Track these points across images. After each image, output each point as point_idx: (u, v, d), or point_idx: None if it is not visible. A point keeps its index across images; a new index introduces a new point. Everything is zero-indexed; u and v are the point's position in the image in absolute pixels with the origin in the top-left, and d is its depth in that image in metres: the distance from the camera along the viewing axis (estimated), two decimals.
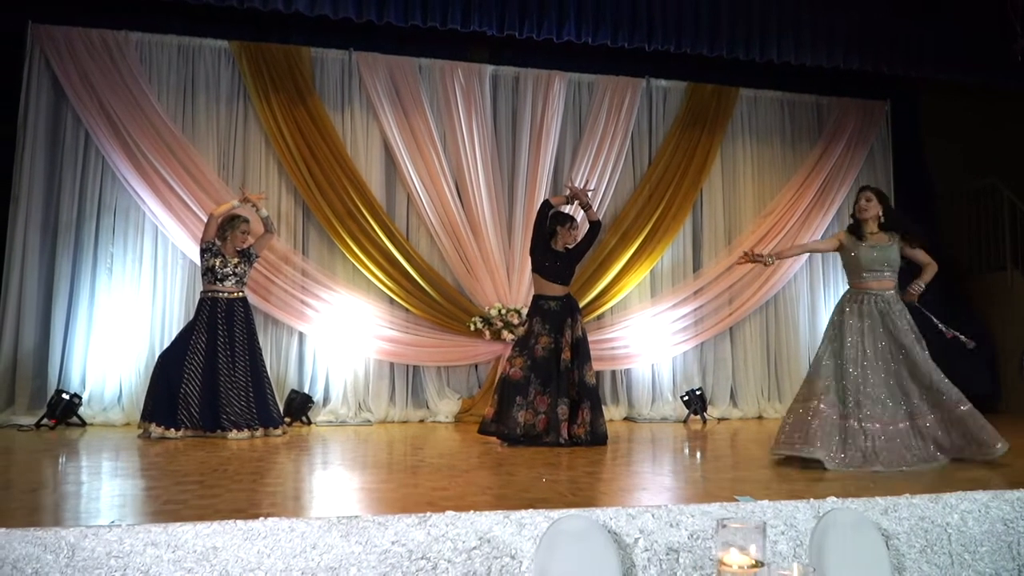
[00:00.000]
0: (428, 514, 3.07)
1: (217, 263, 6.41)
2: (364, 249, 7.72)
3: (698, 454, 5.84)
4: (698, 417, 7.98)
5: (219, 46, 7.74)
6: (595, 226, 6.55)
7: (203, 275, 6.48)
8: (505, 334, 7.77)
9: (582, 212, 6.69)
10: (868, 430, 5.10)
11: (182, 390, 6.13)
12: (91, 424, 6.91)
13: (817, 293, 8.97)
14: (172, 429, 6.07)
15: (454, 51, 8.16)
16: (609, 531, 3.34)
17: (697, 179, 8.57)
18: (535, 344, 6.17)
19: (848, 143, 9.04)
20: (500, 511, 3.17)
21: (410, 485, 4.06)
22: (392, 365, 7.80)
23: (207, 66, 7.72)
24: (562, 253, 6.38)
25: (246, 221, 6.60)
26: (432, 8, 7.02)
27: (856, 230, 5.49)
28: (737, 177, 8.88)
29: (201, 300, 6.46)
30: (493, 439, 6.03)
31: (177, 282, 7.43)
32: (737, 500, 3.78)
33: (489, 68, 8.26)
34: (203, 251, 6.47)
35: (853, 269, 5.41)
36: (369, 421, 7.50)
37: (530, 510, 3.21)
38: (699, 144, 8.62)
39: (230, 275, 6.46)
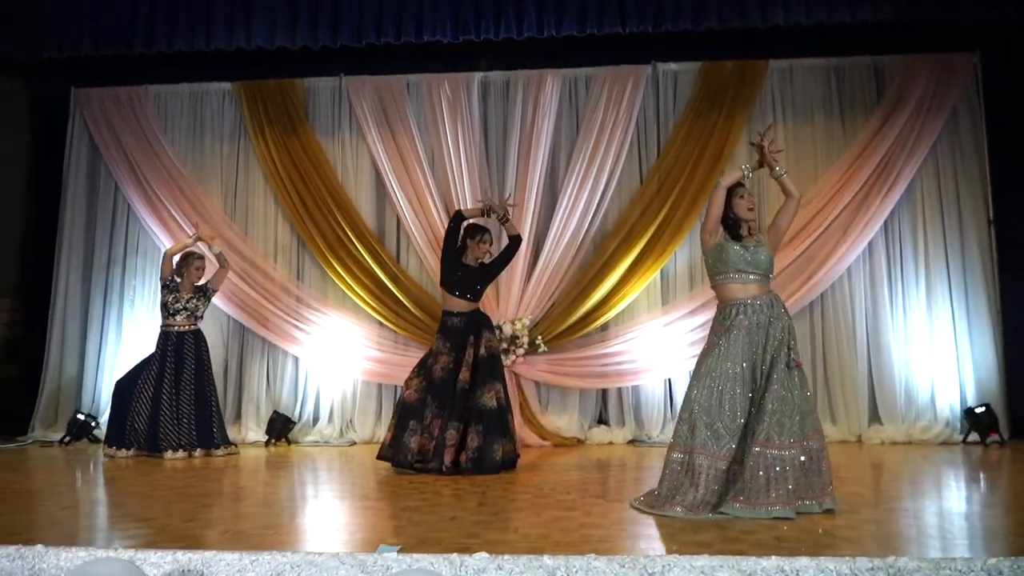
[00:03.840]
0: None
1: (170, 299, 6.86)
2: (353, 275, 7.79)
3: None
4: None
5: (223, 88, 8.28)
6: (514, 241, 6.17)
7: (160, 309, 6.96)
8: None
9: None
10: None
11: (130, 414, 6.64)
12: (99, 443, 7.64)
13: (880, 290, 7.50)
14: (122, 449, 6.59)
15: (444, 64, 8.00)
16: None
17: (713, 167, 7.58)
18: (433, 364, 5.88)
19: (918, 108, 7.47)
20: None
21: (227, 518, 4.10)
22: (380, 386, 7.78)
23: (212, 108, 8.28)
24: (472, 267, 6.04)
25: (200, 257, 7.00)
26: (424, 21, 7.10)
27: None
28: None
29: (159, 333, 6.93)
30: (389, 464, 5.80)
31: None
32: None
33: (477, 76, 7.98)
34: (161, 287, 6.95)
35: None
36: (354, 442, 7.54)
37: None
38: (716, 128, 7.64)
39: (181, 310, 6.87)
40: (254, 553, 3.27)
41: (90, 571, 3.03)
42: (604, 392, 7.66)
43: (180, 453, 6.57)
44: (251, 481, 5.80)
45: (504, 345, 7.35)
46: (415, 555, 3.16)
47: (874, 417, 7.33)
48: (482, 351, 5.87)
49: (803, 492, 4.13)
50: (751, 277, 4.49)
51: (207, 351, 7.00)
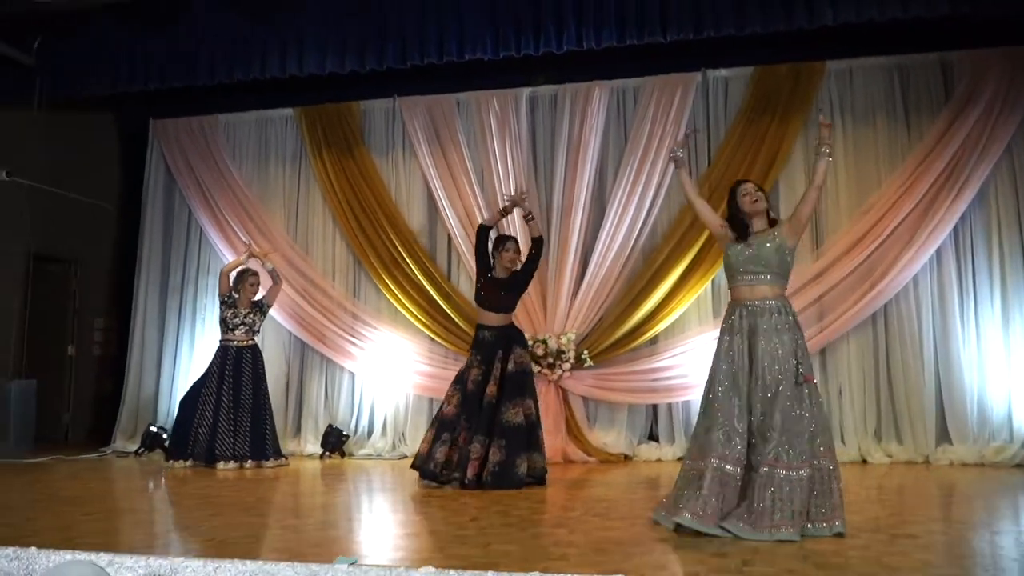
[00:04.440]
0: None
1: (229, 314, 7.17)
2: (405, 292, 7.94)
3: None
4: None
5: (286, 114, 8.62)
6: (536, 243, 6.12)
7: (219, 325, 7.27)
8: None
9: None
10: None
11: (193, 426, 6.96)
12: None
13: (949, 300, 7.02)
14: (179, 460, 6.92)
15: (495, 80, 8.06)
16: None
17: (766, 174, 7.31)
18: (466, 377, 5.91)
19: (990, 106, 6.97)
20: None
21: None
22: (431, 400, 7.85)
23: (276, 133, 8.65)
24: (501, 279, 6.04)
25: (254, 274, 7.29)
26: (465, 40, 7.18)
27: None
28: None
29: (217, 348, 7.25)
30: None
31: None
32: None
33: (526, 91, 8.01)
34: (220, 304, 7.26)
35: None
36: (405, 455, 7.64)
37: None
38: (769, 134, 7.38)
39: (240, 325, 7.16)
40: (217, 560, 3.36)
41: (59, 573, 3.21)
42: (654, 408, 7.48)
43: (232, 464, 6.83)
44: (271, 492, 5.90)
45: (550, 359, 7.31)
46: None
47: (943, 437, 6.86)
48: (511, 366, 5.84)
49: (811, 514, 3.92)
50: (761, 277, 4.26)
51: (263, 366, 7.26)
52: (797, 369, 4.11)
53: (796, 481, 3.94)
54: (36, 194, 8.54)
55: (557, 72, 7.96)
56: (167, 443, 7.31)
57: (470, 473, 5.58)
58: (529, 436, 5.69)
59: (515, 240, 6.16)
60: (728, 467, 4.01)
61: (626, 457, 7.25)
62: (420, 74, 8.01)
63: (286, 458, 7.22)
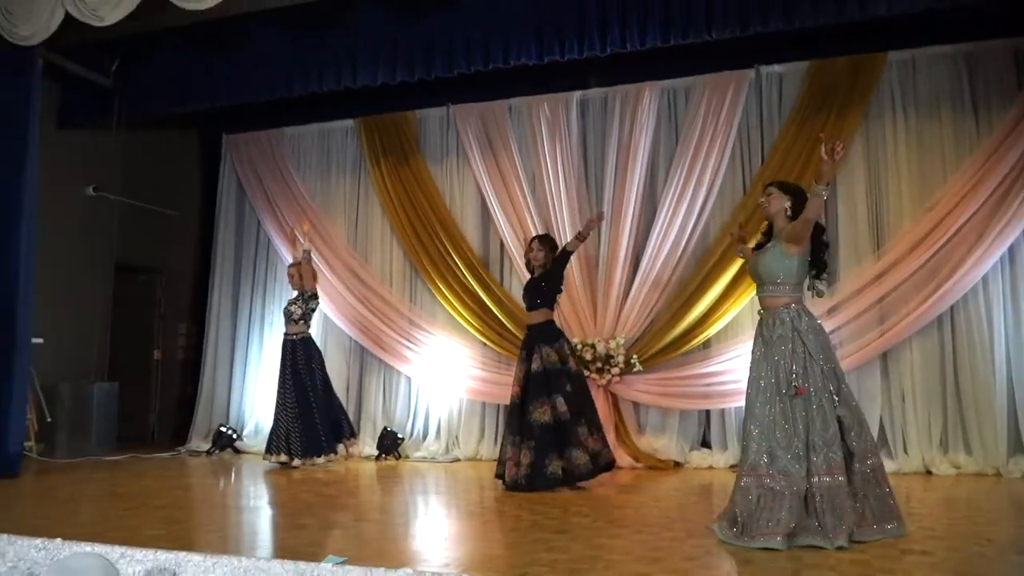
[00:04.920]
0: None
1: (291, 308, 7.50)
2: (459, 298, 8.04)
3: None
4: None
5: (347, 125, 8.86)
6: (562, 253, 6.18)
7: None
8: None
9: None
10: None
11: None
12: (244, 453, 8.35)
13: (1022, 300, 6.59)
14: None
15: (547, 85, 8.07)
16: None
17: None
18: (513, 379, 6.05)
19: None
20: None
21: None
22: (484, 404, 7.92)
23: (337, 144, 8.90)
24: (533, 279, 6.18)
25: (291, 265, 7.57)
26: (511, 46, 7.19)
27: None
28: (886, 163, 7.06)
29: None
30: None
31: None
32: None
33: (576, 94, 7.98)
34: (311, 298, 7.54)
35: None
36: (458, 458, 7.72)
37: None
38: (825, 130, 7.03)
39: (287, 318, 7.44)
40: (215, 556, 3.51)
41: (66, 564, 3.42)
42: (707, 413, 7.32)
43: (274, 457, 7.14)
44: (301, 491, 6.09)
45: (599, 364, 7.26)
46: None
47: (1017, 447, 6.43)
48: (534, 366, 5.90)
49: (800, 529, 3.80)
50: (767, 288, 4.24)
51: (315, 358, 7.40)
52: (791, 380, 4.00)
53: (777, 494, 3.86)
54: (122, 208, 9.07)
55: (609, 74, 7.90)
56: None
57: (507, 476, 5.65)
58: (558, 435, 5.67)
59: (538, 239, 6.21)
60: (767, 481, 3.93)
61: (677, 464, 7.12)
62: (473, 81, 8.08)
63: (334, 453, 7.32)
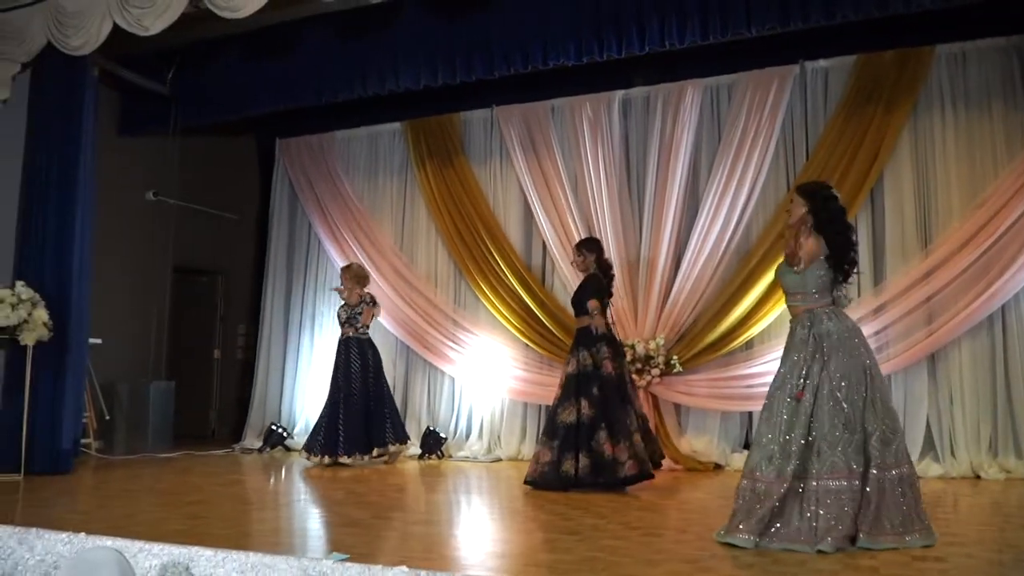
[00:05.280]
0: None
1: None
2: (501, 299, 8.10)
3: None
4: None
5: (394, 128, 8.99)
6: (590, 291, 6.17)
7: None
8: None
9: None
10: None
11: None
12: (295, 450, 8.55)
13: None
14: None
15: (589, 85, 8.06)
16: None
17: (869, 168, 6.88)
18: None
19: None
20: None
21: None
22: (526, 405, 7.94)
23: (385, 147, 9.05)
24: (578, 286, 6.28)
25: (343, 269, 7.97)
26: (549, 47, 7.23)
27: None
28: (935, 159, 6.84)
29: None
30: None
31: None
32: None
33: (618, 94, 7.94)
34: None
35: None
36: (499, 458, 7.77)
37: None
38: (872, 125, 6.93)
39: (338, 320, 7.78)
40: (225, 551, 3.63)
41: (83, 557, 3.58)
42: (749, 415, 7.20)
43: (307, 458, 7.38)
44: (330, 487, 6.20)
45: (639, 365, 7.21)
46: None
47: None
48: (570, 368, 5.98)
49: (780, 531, 3.77)
50: (787, 299, 4.28)
51: (358, 361, 7.54)
52: (796, 384, 3.96)
53: (762, 494, 3.85)
54: (183, 212, 9.41)
55: (652, 73, 7.85)
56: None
57: (528, 472, 5.73)
58: (579, 436, 5.69)
59: (577, 245, 6.24)
60: (760, 486, 3.93)
61: (717, 466, 7.03)
62: (518, 83, 8.15)
63: (366, 457, 7.44)
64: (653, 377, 7.22)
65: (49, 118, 6.96)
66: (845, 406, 3.91)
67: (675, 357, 7.23)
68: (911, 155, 6.93)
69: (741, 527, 3.83)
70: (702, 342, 7.28)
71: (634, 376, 7.18)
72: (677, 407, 7.41)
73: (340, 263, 8.86)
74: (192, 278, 10.32)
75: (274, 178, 9.57)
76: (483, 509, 5.54)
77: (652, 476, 5.76)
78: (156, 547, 3.75)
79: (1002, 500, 5.37)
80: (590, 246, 6.29)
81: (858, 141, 6.98)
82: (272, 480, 6.86)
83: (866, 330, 6.68)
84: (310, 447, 7.40)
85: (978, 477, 6.28)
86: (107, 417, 8.20)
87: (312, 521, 4.83)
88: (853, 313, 6.74)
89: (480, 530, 4.50)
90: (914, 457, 6.51)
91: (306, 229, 9.36)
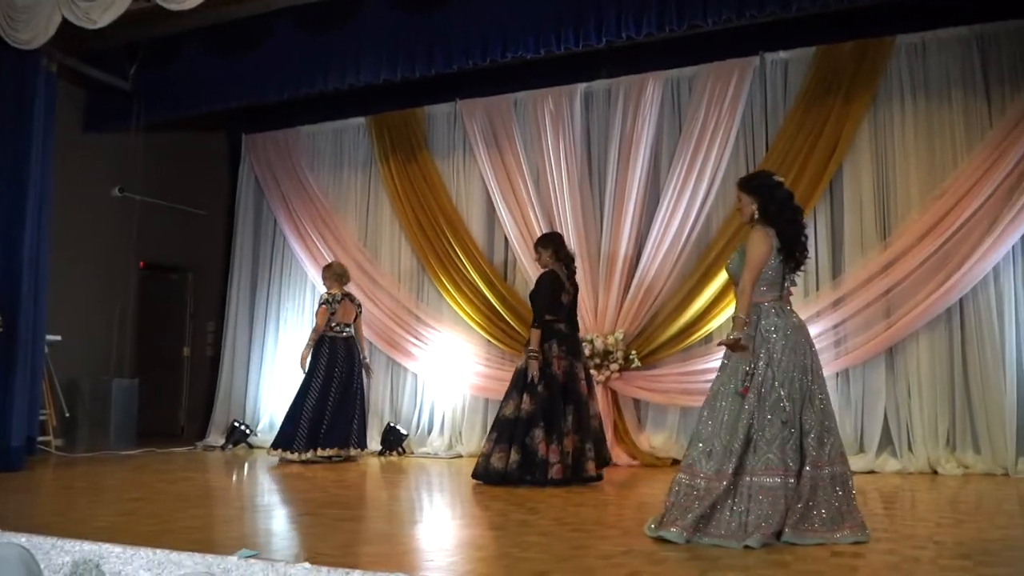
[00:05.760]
0: None
1: None
2: (463, 294, 8.04)
3: None
4: None
5: (359, 123, 8.92)
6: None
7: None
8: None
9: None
10: None
11: None
12: (259, 448, 8.48)
13: None
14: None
15: (553, 78, 7.98)
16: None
17: (828, 158, 6.82)
18: None
19: None
20: None
21: None
22: (487, 401, 7.88)
23: (350, 142, 8.99)
24: None
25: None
26: (508, 39, 7.14)
27: None
28: (894, 150, 6.78)
29: None
30: None
31: None
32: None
33: (580, 87, 7.87)
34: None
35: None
36: (460, 454, 7.71)
37: None
38: (831, 117, 6.87)
39: None
40: (135, 548, 3.57)
41: None
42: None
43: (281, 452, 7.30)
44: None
45: (597, 360, 7.15)
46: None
47: None
48: (520, 363, 6.00)
49: (711, 527, 3.71)
50: (735, 290, 4.16)
51: (325, 358, 7.43)
52: (740, 380, 3.88)
53: (696, 490, 3.78)
54: (152, 209, 9.34)
55: (615, 66, 7.79)
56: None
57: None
58: (515, 431, 5.67)
59: (536, 242, 6.19)
60: (699, 481, 3.87)
61: (675, 462, 6.95)
62: (482, 77, 8.10)
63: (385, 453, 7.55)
64: (612, 372, 7.16)
65: None
66: (786, 404, 3.84)
67: (634, 352, 7.16)
68: (871, 147, 6.86)
69: (676, 522, 3.75)
70: (661, 336, 7.22)
71: (592, 371, 7.12)
72: (636, 403, 7.34)
73: (305, 259, 8.83)
74: (163, 275, 10.27)
75: (240, 174, 9.51)
76: (420, 505, 5.47)
77: (580, 481, 5.69)
78: (69, 544, 3.69)
79: (953, 496, 5.29)
80: (544, 242, 6.20)
81: (817, 133, 6.91)
82: (220, 478, 6.77)
83: (824, 324, 6.73)
84: (286, 443, 7.28)
85: (935, 472, 6.22)
86: (67, 415, 8.14)
87: (241, 518, 4.74)
88: (811, 307, 6.79)
89: (403, 527, 4.41)
90: (871, 452, 6.52)
91: (272, 225, 9.30)
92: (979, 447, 6.24)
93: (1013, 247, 6.30)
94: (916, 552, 3.51)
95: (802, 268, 4.22)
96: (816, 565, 3.26)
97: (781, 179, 4.25)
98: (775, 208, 4.08)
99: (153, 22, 8.43)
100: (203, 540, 3.94)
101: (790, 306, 4.12)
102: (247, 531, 4.19)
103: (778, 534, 3.67)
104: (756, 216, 4.13)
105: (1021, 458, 6.04)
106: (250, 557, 3.44)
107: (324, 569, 3.22)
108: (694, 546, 3.60)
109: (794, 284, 4.27)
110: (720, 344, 4.07)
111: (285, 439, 7.26)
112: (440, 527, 4.55)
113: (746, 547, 3.55)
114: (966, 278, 6.34)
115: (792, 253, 4.08)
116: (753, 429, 3.82)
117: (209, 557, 3.43)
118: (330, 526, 4.33)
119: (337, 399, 7.38)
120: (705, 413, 4.02)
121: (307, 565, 3.22)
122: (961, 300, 6.43)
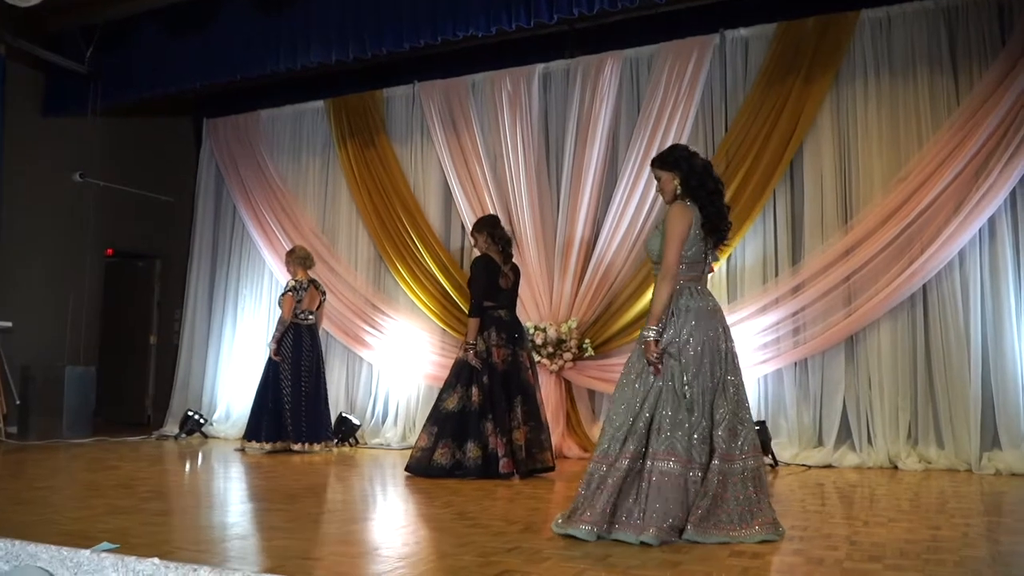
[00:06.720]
0: None
1: None
2: (419, 282, 7.83)
3: None
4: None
5: (317, 106, 8.70)
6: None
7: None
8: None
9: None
10: None
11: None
12: (214, 438, 8.31)
13: (1002, 280, 5.92)
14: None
15: (512, 60, 7.74)
16: None
17: (789, 138, 6.54)
18: None
19: None
20: None
21: None
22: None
23: (309, 126, 8.77)
24: None
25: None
26: (458, 18, 6.89)
27: None
28: (856, 130, 6.48)
29: None
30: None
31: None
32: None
33: (538, 68, 7.61)
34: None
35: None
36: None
37: None
38: (792, 96, 6.57)
39: None
40: (59, 548, 3.32)
41: None
42: None
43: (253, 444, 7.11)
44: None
45: (550, 349, 6.91)
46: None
47: (992, 442, 5.82)
48: (460, 353, 5.78)
49: (618, 519, 3.49)
50: (655, 268, 3.93)
51: (293, 347, 7.22)
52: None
53: (605, 479, 3.59)
54: (119, 195, 9.17)
55: (575, 46, 7.54)
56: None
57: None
58: (460, 425, 5.44)
59: (471, 229, 5.96)
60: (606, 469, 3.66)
61: None
62: (441, 59, 7.93)
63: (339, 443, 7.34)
64: (565, 362, 6.92)
65: None
66: (689, 388, 3.61)
67: (587, 341, 6.92)
68: (832, 126, 6.57)
69: (585, 516, 3.52)
70: (616, 325, 6.96)
71: (544, 361, 6.89)
72: (591, 393, 7.10)
73: (263, 246, 8.64)
74: (130, 262, 10.12)
75: (200, 159, 9.32)
76: (335, 499, 5.15)
77: (533, 472, 5.53)
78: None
79: (904, 493, 4.99)
80: (479, 227, 5.97)
81: (777, 112, 6.63)
82: (147, 468, 6.51)
83: (783, 311, 6.48)
84: (254, 435, 7.10)
85: (896, 467, 5.94)
86: (18, 402, 7.99)
87: (133, 511, 4.49)
88: (770, 294, 6.55)
89: (302, 522, 4.15)
90: (829, 446, 6.25)
91: (231, 212, 9.10)
92: (942, 441, 5.96)
93: (980, 230, 5.99)
94: (824, 553, 3.26)
95: (725, 242, 3.98)
96: (706, 566, 3.02)
97: (694, 150, 4.01)
98: (696, 181, 3.84)
99: (108, 3, 8.28)
100: (75, 532, 3.73)
101: (706, 285, 3.89)
102: (130, 524, 3.96)
103: (681, 531, 3.44)
104: (679, 191, 3.89)
105: (985, 453, 5.74)
106: (108, 551, 3.25)
107: (172, 564, 3.02)
108: (585, 543, 3.37)
109: (716, 260, 4.03)
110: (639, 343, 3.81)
111: (253, 431, 7.08)
112: (336, 522, 4.24)
113: (642, 543, 3.32)
114: (930, 263, 6.04)
115: (716, 227, 3.84)
116: (657, 410, 3.60)
117: (65, 550, 3.24)
118: (220, 521, 4.11)
119: (311, 392, 7.17)
120: (616, 396, 3.79)
121: (156, 561, 3.02)
122: (925, 287, 6.14)
